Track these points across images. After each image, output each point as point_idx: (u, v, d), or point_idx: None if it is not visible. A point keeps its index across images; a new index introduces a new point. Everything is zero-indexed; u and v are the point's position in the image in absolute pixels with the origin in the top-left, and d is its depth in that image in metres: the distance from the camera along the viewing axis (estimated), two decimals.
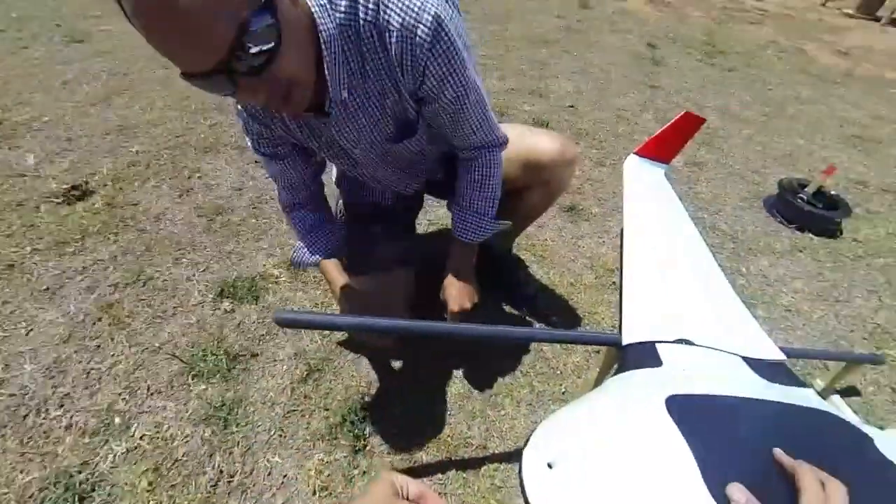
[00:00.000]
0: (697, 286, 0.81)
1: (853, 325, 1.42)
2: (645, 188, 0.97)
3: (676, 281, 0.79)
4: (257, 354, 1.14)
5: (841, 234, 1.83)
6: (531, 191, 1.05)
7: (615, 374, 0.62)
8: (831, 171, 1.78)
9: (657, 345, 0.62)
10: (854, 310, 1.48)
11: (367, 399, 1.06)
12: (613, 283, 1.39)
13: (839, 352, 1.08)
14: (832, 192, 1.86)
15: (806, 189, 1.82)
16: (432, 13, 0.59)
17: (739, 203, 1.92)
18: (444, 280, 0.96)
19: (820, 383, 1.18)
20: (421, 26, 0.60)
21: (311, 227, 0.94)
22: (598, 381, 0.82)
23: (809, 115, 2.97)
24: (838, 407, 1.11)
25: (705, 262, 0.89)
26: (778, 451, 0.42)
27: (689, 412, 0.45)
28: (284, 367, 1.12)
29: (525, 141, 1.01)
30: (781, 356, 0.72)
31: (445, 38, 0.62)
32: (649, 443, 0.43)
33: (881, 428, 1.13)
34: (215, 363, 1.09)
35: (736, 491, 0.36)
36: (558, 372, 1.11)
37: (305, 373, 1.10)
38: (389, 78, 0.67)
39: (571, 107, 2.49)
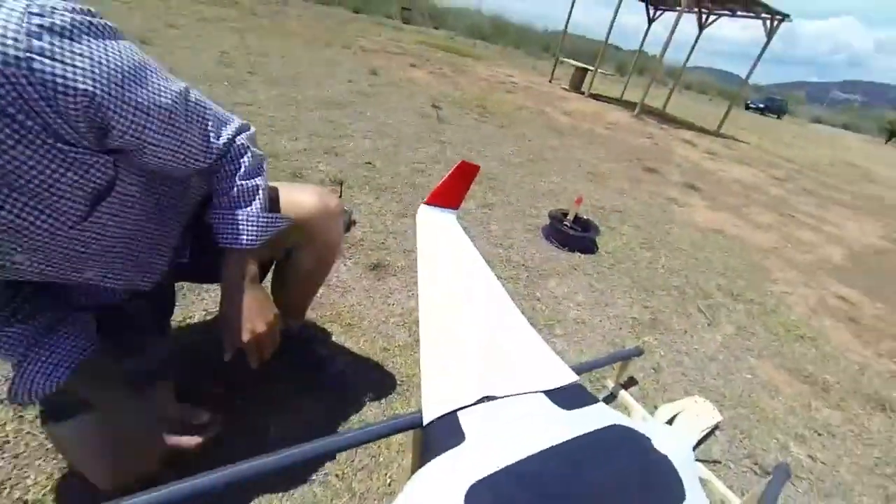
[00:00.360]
0: (494, 331, 0.80)
1: (620, 323, 1.72)
2: (437, 236, 0.97)
3: (472, 332, 0.76)
4: None
5: (597, 249, 2.27)
6: (300, 252, 0.92)
7: (420, 463, 0.52)
8: (580, 201, 2.21)
9: (459, 414, 0.58)
10: (618, 310, 1.80)
11: None
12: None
13: (612, 354, 1.25)
14: (585, 217, 2.31)
15: (567, 217, 2.22)
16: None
17: (525, 235, 2.20)
18: (220, 310, 0.73)
19: (610, 383, 1.34)
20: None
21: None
22: (405, 476, 0.72)
23: (559, 159, 3.77)
24: (626, 401, 1.27)
25: (499, 302, 0.90)
26: None
27: (490, 501, 0.44)
28: None
29: (286, 197, 0.89)
30: (575, 377, 0.77)
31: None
32: None
33: (655, 407, 1.34)
34: None
35: None
36: (380, 460, 0.95)
37: None
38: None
39: (369, 163, 2.53)
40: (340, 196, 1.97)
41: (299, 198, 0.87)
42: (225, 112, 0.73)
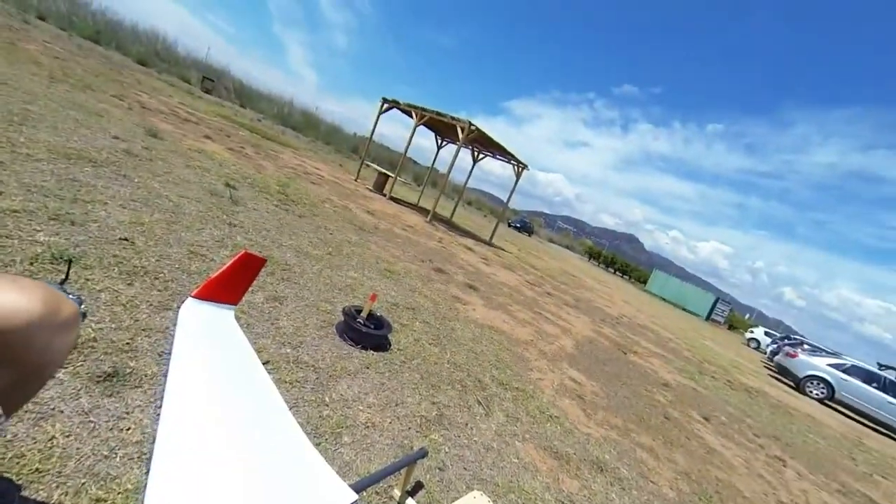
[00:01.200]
0: (263, 448, 0.69)
1: (409, 423, 1.73)
2: (203, 334, 0.81)
3: (233, 449, 0.64)
4: None
5: (390, 346, 2.33)
6: None
7: None
8: (374, 297, 2.27)
9: None
10: (407, 408, 1.82)
11: None
12: None
13: (397, 462, 1.22)
14: (378, 314, 2.37)
15: (362, 314, 2.23)
16: None
17: (317, 332, 2.07)
18: None
19: (397, 492, 1.28)
20: None
21: None
22: None
23: (357, 254, 3.89)
24: None
25: (272, 412, 0.78)
26: None
27: None
28: None
29: None
30: (354, 496, 0.70)
31: None
32: None
33: None
34: None
35: None
36: None
37: None
38: None
39: (126, 239, 2.03)
40: (66, 280, 1.47)
41: (2, 298, 0.59)
42: None
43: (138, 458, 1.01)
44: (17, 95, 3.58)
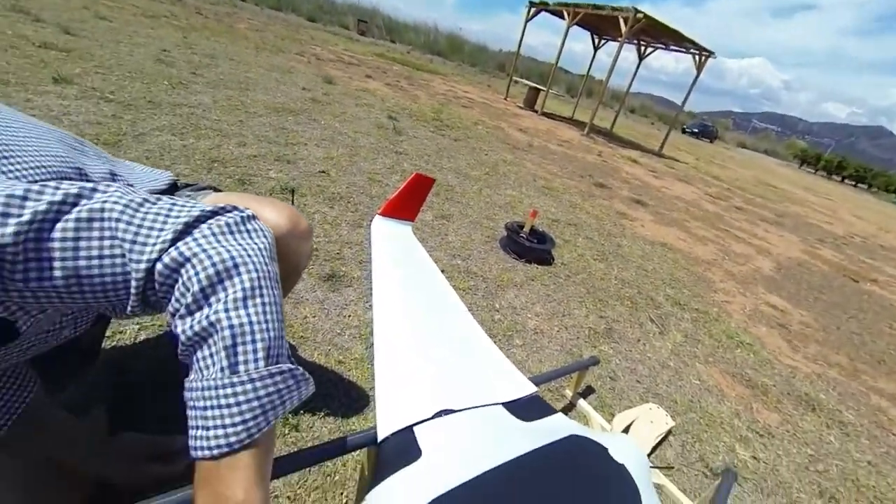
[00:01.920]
0: (451, 344, 0.78)
1: (578, 333, 1.74)
2: (393, 248, 0.93)
3: (428, 345, 0.73)
4: None
5: (553, 260, 2.31)
6: None
7: (373, 483, 0.49)
8: (534, 214, 2.24)
9: (415, 429, 0.55)
10: (575, 319, 1.83)
11: None
12: None
13: (570, 365, 1.25)
14: (540, 229, 2.35)
15: (524, 229, 2.24)
16: None
17: (483, 246, 2.19)
18: None
19: (569, 392, 1.34)
20: None
21: None
22: (360, 495, 0.66)
23: (514, 173, 3.85)
24: (584, 409, 1.27)
25: (456, 314, 0.88)
26: None
27: None
28: None
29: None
30: (533, 388, 0.76)
31: None
32: None
33: (612, 415, 1.35)
34: None
35: None
36: (335, 478, 0.87)
37: None
38: None
39: (323, 172, 2.43)
40: (293, 204, 1.87)
41: (264, 214, 0.77)
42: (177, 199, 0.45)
43: (358, 337, 1.29)
44: (240, 68, 4.45)
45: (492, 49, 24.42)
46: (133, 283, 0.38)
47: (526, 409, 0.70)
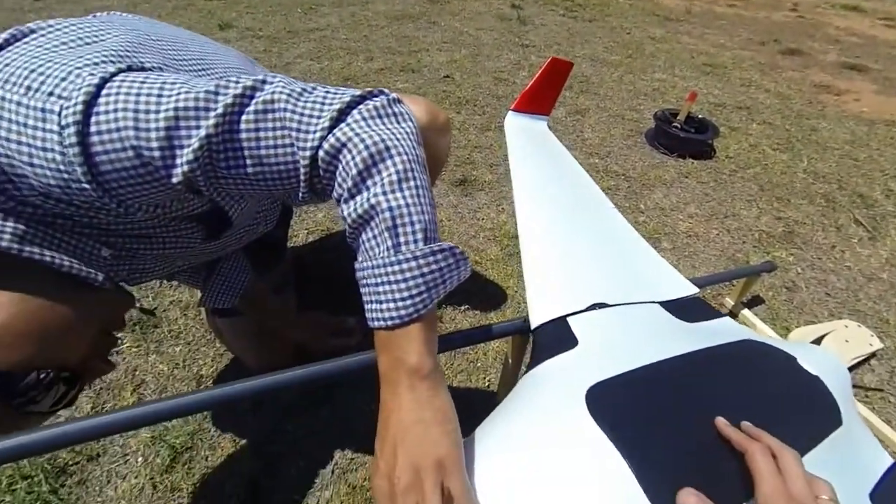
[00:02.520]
0: (601, 239, 0.73)
1: (744, 237, 1.47)
2: (529, 144, 0.88)
3: (578, 239, 0.70)
4: (97, 456, 0.86)
5: (714, 153, 1.93)
6: None
7: (528, 366, 0.50)
8: (693, 97, 1.84)
9: (569, 319, 0.54)
10: (741, 221, 1.54)
11: (258, 472, 0.84)
12: (518, 251, 1.28)
13: (738, 269, 1.09)
14: (700, 116, 1.94)
15: (678, 117, 1.88)
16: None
17: (624, 142, 1.93)
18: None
19: (730, 301, 1.18)
20: None
21: None
22: (505, 379, 0.70)
23: (665, 51, 3.16)
24: (750, 321, 1.11)
25: (603, 210, 0.82)
26: (720, 423, 0.39)
27: (613, 406, 0.40)
28: (139, 458, 0.85)
29: None
30: (695, 289, 0.69)
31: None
32: (578, 459, 0.36)
33: (787, 330, 1.16)
34: (29, 490, 0.79)
35: (687, 497, 0.32)
36: (477, 365, 0.97)
37: (170, 458, 0.85)
38: None
39: (448, 76, 2.36)
40: None
41: None
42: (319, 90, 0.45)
43: (493, 239, 1.32)
44: None
45: None
46: (301, 172, 0.42)
47: (687, 310, 0.64)
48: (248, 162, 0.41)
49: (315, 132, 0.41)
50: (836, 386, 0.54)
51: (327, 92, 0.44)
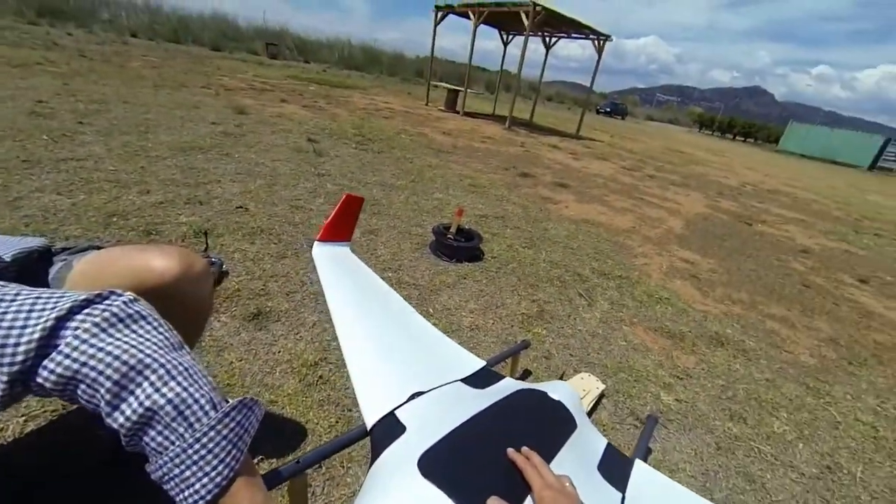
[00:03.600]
0: (409, 338, 0.89)
1: (512, 321, 1.83)
2: (337, 267, 1.00)
3: (391, 342, 0.85)
4: None
5: (483, 255, 2.41)
6: None
7: (369, 465, 0.58)
8: (460, 213, 2.32)
9: (396, 412, 0.66)
10: (508, 308, 1.92)
11: None
12: (320, 376, 1.28)
13: (504, 352, 1.33)
14: (467, 227, 2.44)
15: (450, 230, 2.31)
16: None
17: (412, 254, 2.24)
18: None
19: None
20: None
21: None
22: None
23: (440, 176, 3.94)
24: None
25: (405, 313, 0.99)
26: (509, 452, 0.58)
27: (438, 464, 0.54)
28: None
29: (131, 263, 0.78)
30: (482, 363, 0.92)
31: None
32: None
33: None
34: None
35: (492, 500, 0.49)
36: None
37: None
38: None
39: (241, 207, 2.36)
40: (207, 248, 1.80)
41: (152, 263, 0.75)
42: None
43: (290, 372, 1.28)
44: (137, 109, 4.16)
45: (409, 56, 24.63)
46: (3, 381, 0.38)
47: (480, 379, 0.85)
48: None
49: (20, 344, 0.38)
50: (571, 403, 0.81)
51: (37, 297, 0.42)
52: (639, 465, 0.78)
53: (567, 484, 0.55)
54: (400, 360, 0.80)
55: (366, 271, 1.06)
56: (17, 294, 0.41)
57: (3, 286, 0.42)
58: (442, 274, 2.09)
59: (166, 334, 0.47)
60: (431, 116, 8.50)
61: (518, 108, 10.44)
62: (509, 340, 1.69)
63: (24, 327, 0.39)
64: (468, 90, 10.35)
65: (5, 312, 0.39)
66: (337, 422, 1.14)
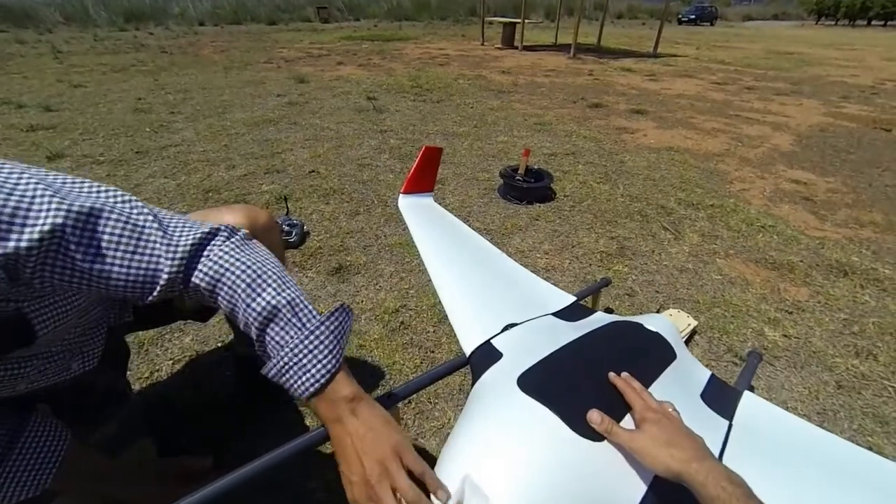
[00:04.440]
0: (497, 276, 0.92)
1: (590, 260, 1.75)
2: (422, 217, 1.04)
3: (481, 280, 0.87)
4: None
5: (555, 195, 2.29)
6: None
7: (471, 387, 0.62)
8: (527, 153, 2.21)
9: (492, 341, 0.69)
10: (585, 247, 1.83)
11: None
12: (401, 322, 1.35)
13: (583, 290, 1.28)
14: (536, 168, 2.32)
15: (518, 172, 2.22)
16: None
17: (481, 200, 2.20)
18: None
19: None
20: None
21: None
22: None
23: (503, 118, 3.76)
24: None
25: (492, 253, 1.02)
26: (611, 375, 0.59)
27: (536, 382, 0.56)
28: None
29: (208, 221, 0.86)
30: (572, 298, 0.93)
31: None
32: (525, 426, 0.50)
33: None
34: None
35: (594, 415, 0.51)
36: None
37: None
38: None
39: (313, 171, 2.48)
40: (287, 212, 1.94)
41: (224, 219, 0.82)
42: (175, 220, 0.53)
43: (374, 319, 1.37)
44: (215, 93, 4.48)
45: None
46: (160, 284, 0.49)
47: (571, 313, 0.86)
48: (102, 260, 0.45)
49: (177, 256, 0.49)
50: (670, 335, 0.80)
51: (184, 223, 0.53)
52: (748, 395, 0.75)
53: (670, 409, 0.54)
54: (492, 296, 0.83)
55: (451, 219, 1.09)
56: (172, 216, 0.53)
57: (154, 209, 0.53)
58: (513, 217, 2.04)
59: (275, 258, 0.57)
60: (489, 56, 8.01)
61: (584, 33, 9.40)
62: (588, 280, 1.62)
63: (181, 236, 0.51)
64: (525, 21, 9.49)
65: (167, 225, 0.51)
66: (422, 363, 1.21)
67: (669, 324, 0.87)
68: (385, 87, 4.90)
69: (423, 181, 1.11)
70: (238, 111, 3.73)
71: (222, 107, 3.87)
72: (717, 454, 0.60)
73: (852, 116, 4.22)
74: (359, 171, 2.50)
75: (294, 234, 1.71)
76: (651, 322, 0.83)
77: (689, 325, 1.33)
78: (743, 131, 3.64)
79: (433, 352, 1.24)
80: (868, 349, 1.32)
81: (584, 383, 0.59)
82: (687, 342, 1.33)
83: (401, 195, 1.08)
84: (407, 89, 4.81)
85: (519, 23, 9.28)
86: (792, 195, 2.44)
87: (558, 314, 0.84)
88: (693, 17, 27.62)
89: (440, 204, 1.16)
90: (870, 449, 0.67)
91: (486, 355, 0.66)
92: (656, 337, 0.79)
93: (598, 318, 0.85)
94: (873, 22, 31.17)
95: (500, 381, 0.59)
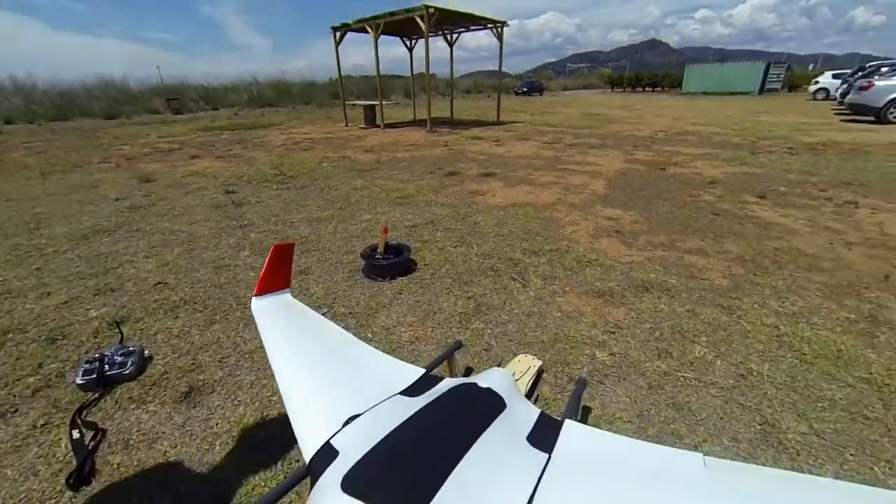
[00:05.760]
0: (345, 368, 0.90)
1: (450, 323, 1.88)
2: (276, 316, 1.01)
3: (328, 375, 0.85)
4: None
5: (415, 265, 2.45)
6: None
7: (310, 490, 0.59)
8: (385, 231, 2.35)
9: (331, 440, 0.66)
10: (445, 312, 1.97)
11: None
12: (262, 438, 1.27)
13: (438, 357, 1.37)
14: (394, 243, 2.47)
15: (378, 250, 2.34)
16: None
17: (346, 283, 2.24)
18: None
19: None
20: None
21: None
22: None
23: (366, 196, 3.95)
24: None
25: (342, 343, 1.00)
26: None
27: (360, 478, 0.56)
28: None
29: None
30: (422, 370, 0.95)
31: None
32: None
33: None
34: None
35: None
36: None
37: None
38: None
39: (160, 283, 2.27)
40: (122, 339, 1.72)
41: None
42: None
43: (231, 442, 1.26)
44: (23, 205, 3.86)
45: (322, 81, 24.24)
46: None
47: (419, 387, 0.87)
48: None
49: None
50: (501, 387, 0.85)
51: None
52: (568, 424, 0.83)
53: None
54: (336, 390, 0.81)
55: (304, 311, 1.07)
56: None
57: None
58: (377, 295, 2.11)
59: None
60: (352, 136, 8.47)
61: (438, 108, 10.62)
62: (450, 343, 1.74)
63: None
64: (384, 102, 10.38)
65: None
66: (285, 477, 1.14)
67: (502, 375, 0.95)
68: (246, 179, 4.80)
69: (276, 279, 1.10)
70: (59, 224, 3.26)
71: (35, 221, 3.36)
72: (533, 486, 0.68)
73: (641, 160, 5.44)
74: (215, 275, 2.36)
75: (129, 363, 1.52)
76: (486, 378, 0.89)
77: (535, 366, 1.50)
78: (570, 181, 4.41)
79: (298, 461, 1.19)
80: (665, 349, 1.65)
81: (407, 464, 0.60)
82: (536, 381, 1.49)
83: (253, 297, 1.05)
84: (270, 178, 4.79)
85: (377, 104, 10.09)
86: (607, 230, 2.99)
87: (406, 391, 0.86)
88: (525, 89, 33.30)
89: (302, 296, 1.16)
90: (674, 444, 0.83)
91: (324, 458, 0.64)
92: (487, 392, 0.84)
93: (442, 387, 0.88)
94: (646, 88, 42.70)
95: (328, 484, 0.58)
